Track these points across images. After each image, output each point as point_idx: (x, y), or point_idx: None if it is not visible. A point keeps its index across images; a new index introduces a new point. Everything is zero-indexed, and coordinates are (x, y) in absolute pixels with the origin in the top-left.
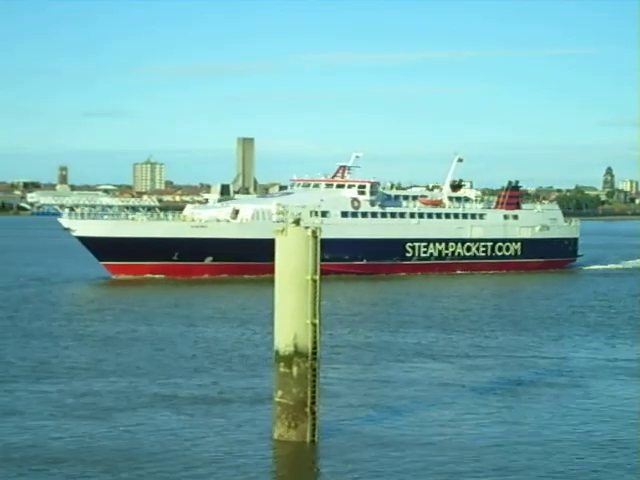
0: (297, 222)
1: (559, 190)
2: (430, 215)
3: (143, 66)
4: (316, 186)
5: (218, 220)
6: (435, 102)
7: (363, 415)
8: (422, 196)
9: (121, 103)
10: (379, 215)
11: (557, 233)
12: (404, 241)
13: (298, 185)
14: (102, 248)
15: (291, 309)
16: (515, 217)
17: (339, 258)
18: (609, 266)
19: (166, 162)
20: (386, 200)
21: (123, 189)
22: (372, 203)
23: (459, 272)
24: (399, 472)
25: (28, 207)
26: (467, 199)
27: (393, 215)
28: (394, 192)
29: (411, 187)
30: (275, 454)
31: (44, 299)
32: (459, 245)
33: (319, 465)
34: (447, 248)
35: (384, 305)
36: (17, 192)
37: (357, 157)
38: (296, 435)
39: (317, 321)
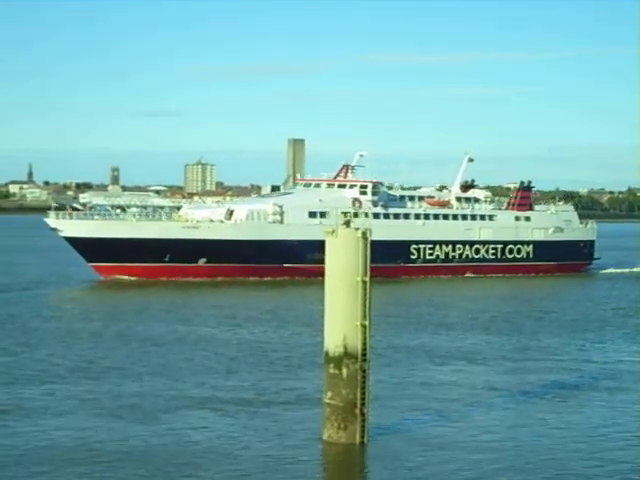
0: (347, 223)
1: (611, 192)
2: (436, 216)
3: (196, 66)
4: (317, 186)
5: (212, 220)
6: (489, 105)
7: (411, 417)
8: (429, 197)
9: (173, 104)
10: (382, 216)
11: (572, 235)
12: (408, 243)
13: (300, 185)
14: (90, 249)
15: (341, 310)
16: (527, 219)
17: None
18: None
19: (217, 163)
20: (390, 201)
21: (174, 190)
22: (374, 203)
23: (467, 275)
24: (448, 475)
25: (80, 207)
26: (476, 200)
27: (397, 216)
28: (399, 192)
29: (420, 188)
30: (324, 455)
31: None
32: (467, 247)
33: (368, 467)
34: (454, 250)
35: (418, 307)
36: (70, 193)
37: (361, 156)
38: (345, 436)
39: (367, 322)
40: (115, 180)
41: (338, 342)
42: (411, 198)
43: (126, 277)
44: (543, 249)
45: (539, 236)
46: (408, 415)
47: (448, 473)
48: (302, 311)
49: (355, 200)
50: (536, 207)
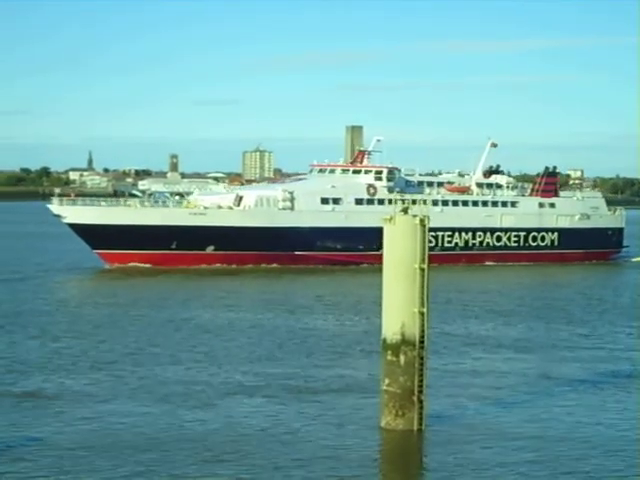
0: (405, 210)
1: None
2: (455, 202)
3: (254, 54)
4: (332, 172)
5: (220, 207)
6: (554, 89)
7: (467, 404)
8: (448, 183)
9: (232, 91)
10: (398, 202)
11: (599, 222)
12: None
13: (315, 171)
14: (95, 236)
15: (399, 298)
16: (552, 205)
17: (353, 248)
18: None
19: (275, 150)
20: (407, 187)
21: (232, 177)
22: (390, 189)
23: (488, 263)
24: (506, 463)
25: (139, 194)
26: (499, 186)
27: (413, 202)
28: (417, 178)
29: (442, 174)
30: (382, 442)
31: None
32: (488, 235)
33: (426, 453)
34: (474, 238)
35: (461, 293)
36: (129, 179)
37: (378, 141)
38: (403, 423)
39: (425, 310)
40: (174, 167)
41: (396, 329)
42: (430, 184)
43: (135, 264)
44: (568, 237)
45: (564, 223)
46: (463, 402)
47: (506, 461)
48: (349, 298)
49: (370, 186)
50: (562, 193)
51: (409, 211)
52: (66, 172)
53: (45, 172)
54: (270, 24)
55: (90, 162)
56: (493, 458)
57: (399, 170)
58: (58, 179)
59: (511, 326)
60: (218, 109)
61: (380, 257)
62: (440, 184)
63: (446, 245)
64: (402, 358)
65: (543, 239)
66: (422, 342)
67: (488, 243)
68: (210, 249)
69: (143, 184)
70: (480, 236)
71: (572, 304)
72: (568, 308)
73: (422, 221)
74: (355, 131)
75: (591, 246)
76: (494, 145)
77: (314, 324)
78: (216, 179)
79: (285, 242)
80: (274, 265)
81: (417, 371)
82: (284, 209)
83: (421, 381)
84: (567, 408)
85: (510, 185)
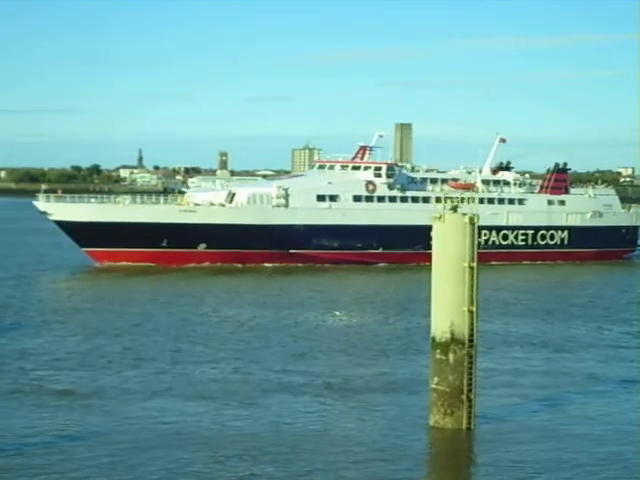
0: (454, 209)
1: None
2: (460, 200)
3: (304, 52)
4: (331, 168)
5: (212, 204)
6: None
7: (517, 403)
8: (453, 179)
9: (282, 88)
10: (398, 199)
11: (612, 220)
12: (428, 228)
13: (315, 167)
14: (82, 234)
15: (448, 296)
16: (562, 203)
17: (350, 246)
18: None
19: (324, 147)
20: (410, 183)
21: (282, 174)
22: (390, 186)
23: (493, 263)
24: (556, 463)
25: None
26: (506, 183)
27: (415, 199)
28: (420, 175)
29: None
30: (431, 441)
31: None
32: (494, 233)
33: (475, 452)
34: (479, 236)
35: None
36: (179, 177)
37: (380, 137)
38: (452, 422)
39: (474, 308)
40: (223, 165)
41: (445, 328)
42: (433, 181)
43: (123, 263)
44: (579, 235)
45: (575, 221)
46: (511, 402)
47: (555, 461)
48: (391, 296)
49: (369, 182)
50: (573, 190)
51: (458, 209)
52: (117, 170)
53: (96, 170)
54: (321, 21)
55: (140, 160)
56: (542, 458)
57: (400, 166)
58: (109, 177)
59: (551, 325)
60: (268, 106)
61: (379, 256)
62: (444, 181)
63: None
64: (451, 356)
65: (552, 237)
66: (471, 341)
67: (494, 242)
68: (202, 247)
69: (192, 182)
70: (485, 235)
71: (593, 304)
72: (590, 307)
73: (471, 219)
74: (404, 128)
75: (604, 245)
76: (503, 140)
77: (346, 322)
78: (265, 177)
79: (279, 240)
80: (268, 264)
81: (466, 370)
82: (278, 206)
83: (470, 380)
84: (615, 408)
85: (518, 182)
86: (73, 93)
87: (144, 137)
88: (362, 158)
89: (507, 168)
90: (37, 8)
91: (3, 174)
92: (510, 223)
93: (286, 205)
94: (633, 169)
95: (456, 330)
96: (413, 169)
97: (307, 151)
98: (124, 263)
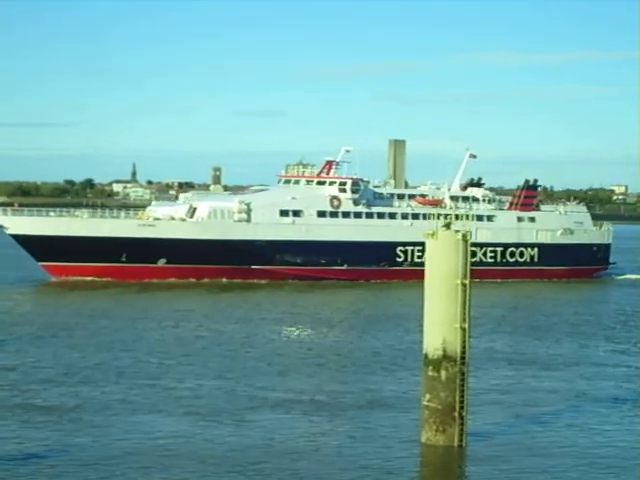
0: (447, 226)
1: None
2: (426, 216)
3: (298, 67)
4: (297, 182)
5: (173, 218)
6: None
7: (509, 421)
8: (421, 195)
9: (276, 103)
10: (364, 215)
11: (584, 238)
12: (394, 244)
13: (280, 182)
14: (39, 248)
15: (440, 313)
16: (531, 219)
17: (314, 262)
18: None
19: (318, 163)
20: (375, 199)
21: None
22: (355, 202)
23: None
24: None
25: None
26: (475, 199)
27: (381, 215)
28: (387, 191)
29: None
30: (423, 458)
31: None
32: None
33: (467, 470)
34: None
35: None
36: (172, 192)
37: (347, 151)
38: (444, 439)
39: (467, 325)
40: (217, 180)
41: (437, 345)
42: (400, 196)
43: (78, 277)
44: (550, 252)
45: (545, 238)
46: (504, 419)
47: (547, 478)
48: (370, 313)
49: (333, 198)
50: (543, 207)
51: (451, 226)
52: (110, 184)
53: (89, 184)
54: (315, 36)
55: (134, 174)
56: (534, 476)
57: (366, 182)
58: (102, 191)
59: (546, 343)
60: (262, 121)
61: (343, 272)
62: (412, 197)
63: (416, 260)
64: (443, 373)
65: (522, 255)
66: (463, 358)
67: None
68: (162, 262)
69: (186, 197)
70: None
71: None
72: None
73: (464, 236)
74: (398, 145)
75: (574, 262)
76: (473, 156)
77: (343, 339)
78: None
79: (241, 256)
80: (224, 279)
81: (458, 387)
82: (240, 221)
83: (462, 397)
84: (605, 425)
85: (487, 198)
86: (66, 107)
87: (138, 152)
88: (328, 173)
89: (478, 184)
90: (31, 21)
91: None
92: (478, 240)
93: (248, 220)
94: (626, 187)
95: (448, 347)
96: (383, 185)
97: (301, 166)
98: (82, 277)
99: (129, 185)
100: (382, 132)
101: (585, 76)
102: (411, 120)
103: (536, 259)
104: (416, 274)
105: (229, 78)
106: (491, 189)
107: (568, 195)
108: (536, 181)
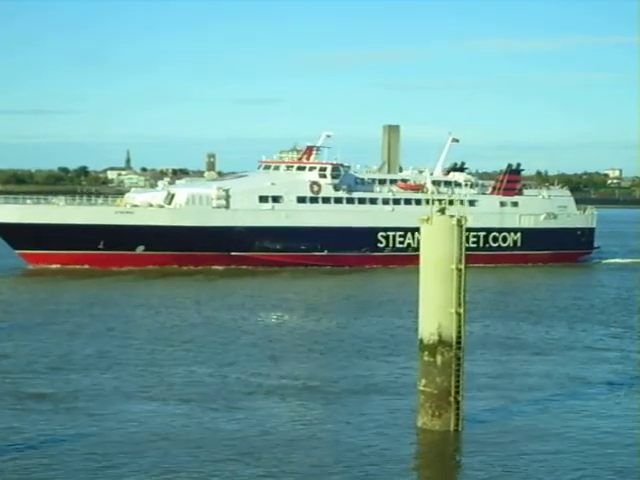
0: (442, 211)
1: None
2: (408, 201)
3: (292, 54)
4: (277, 168)
5: (151, 205)
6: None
7: (504, 406)
8: (403, 180)
9: (270, 91)
10: (344, 201)
11: (567, 222)
12: (375, 230)
13: (261, 167)
14: (15, 236)
15: (435, 298)
16: (514, 204)
17: (294, 248)
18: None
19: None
20: (357, 184)
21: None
22: (336, 187)
23: None
24: (544, 465)
25: None
26: (457, 184)
27: (362, 201)
28: (368, 176)
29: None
30: (419, 442)
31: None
32: None
33: (463, 454)
34: None
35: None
36: (166, 179)
37: (328, 136)
38: (440, 424)
39: (462, 310)
40: (211, 166)
41: (433, 330)
42: (381, 182)
43: (56, 265)
44: (533, 237)
45: (528, 223)
46: (499, 404)
47: (543, 463)
48: (361, 298)
49: (313, 183)
50: (526, 192)
51: (446, 211)
52: (104, 171)
53: (83, 171)
54: (309, 24)
55: (128, 161)
56: (530, 460)
57: (347, 167)
58: (96, 178)
59: (540, 327)
60: (256, 108)
61: (323, 258)
62: (393, 182)
63: (397, 246)
64: (439, 358)
65: (505, 240)
66: (459, 343)
67: None
68: (140, 249)
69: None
70: None
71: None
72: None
73: (459, 221)
74: (392, 130)
75: (558, 247)
76: (455, 140)
77: (336, 325)
78: None
79: (220, 242)
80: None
81: (454, 372)
82: (218, 207)
83: (458, 382)
84: (601, 409)
85: (469, 183)
86: (61, 95)
87: (132, 139)
88: (308, 158)
89: (461, 169)
90: (25, 11)
91: None
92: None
93: (227, 206)
94: (621, 171)
95: (444, 332)
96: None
97: (295, 152)
98: (59, 266)
99: (123, 172)
100: (378, 118)
101: (579, 62)
102: (406, 107)
103: (519, 244)
104: (397, 260)
105: (225, 66)
106: (476, 174)
107: (562, 179)
108: (519, 165)
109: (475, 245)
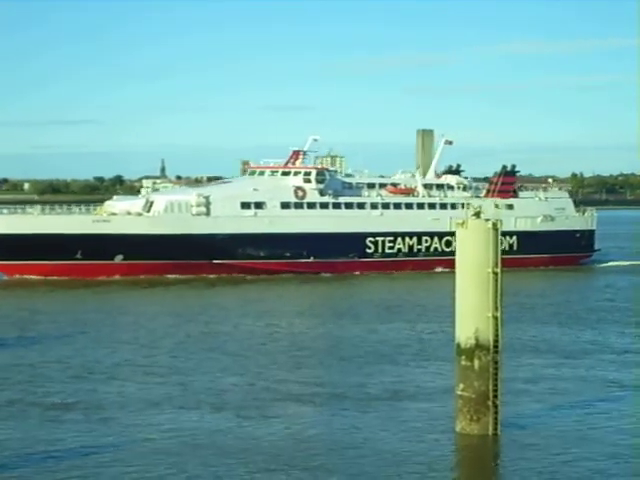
0: (477, 215)
1: None
2: (398, 205)
3: (324, 60)
4: (261, 174)
5: (129, 213)
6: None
7: (540, 410)
8: (393, 184)
9: (303, 97)
10: (330, 206)
11: (565, 224)
12: (363, 235)
13: (247, 173)
14: None
15: (472, 302)
16: (509, 207)
17: (279, 255)
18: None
19: (347, 155)
20: (344, 189)
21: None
22: (321, 192)
23: (439, 270)
24: (584, 470)
25: None
26: (450, 187)
27: (349, 206)
28: (355, 180)
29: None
30: (457, 447)
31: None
32: (436, 239)
33: (502, 458)
34: (420, 243)
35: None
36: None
37: (315, 140)
38: (478, 428)
39: (498, 314)
40: (245, 173)
41: (469, 334)
42: (370, 186)
43: (33, 276)
44: (529, 240)
45: (524, 226)
46: (535, 407)
47: (583, 467)
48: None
49: (298, 188)
50: (522, 194)
51: (481, 215)
52: (139, 180)
53: (119, 180)
54: (340, 30)
55: (163, 170)
56: (570, 464)
57: (332, 171)
58: (131, 187)
59: (573, 331)
60: (289, 115)
61: (309, 265)
62: (382, 185)
63: (387, 251)
64: (476, 363)
65: (500, 243)
66: (496, 346)
67: (437, 248)
68: (119, 259)
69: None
70: (427, 241)
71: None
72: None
73: (494, 225)
74: (426, 135)
75: (556, 250)
76: (449, 142)
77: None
78: None
79: (202, 250)
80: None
81: (491, 376)
82: (198, 214)
83: (495, 386)
84: None
85: (462, 186)
86: (94, 105)
87: (166, 148)
88: (294, 163)
89: (456, 172)
90: (52, 18)
91: (27, 186)
92: (453, 228)
93: (207, 213)
94: None
95: (481, 336)
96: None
97: (329, 158)
98: (37, 277)
99: (158, 181)
100: (409, 123)
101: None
102: (439, 111)
103: (515, 247)
104: (388, 265)
105: (257, 73)
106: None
107: (598, 181)
108: (514, 167)
109: None
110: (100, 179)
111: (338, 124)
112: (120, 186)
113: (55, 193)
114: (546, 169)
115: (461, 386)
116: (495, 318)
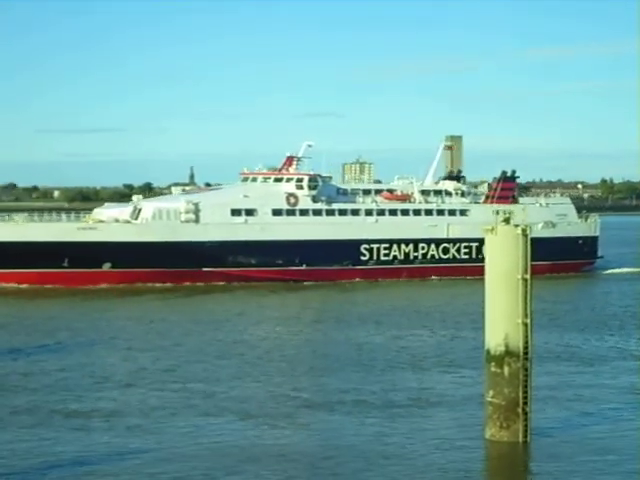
0: (507, 220)
1: None
2: (393, 212)
3: (352, 67)
4: (254, 180)
5: (117, 220)
6: None
7: (569, 417)
8: (388, 190)
9: (331, 104)
10: (324, 212)
11: (567, 231)
12: (357, 242)
13: (240, 179)
14: None
15: (502, 309)
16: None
17: (270, 263)
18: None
19: (375, 161)
20: (338, 195)
21: None
22: (314, 199)
23: (435, 278)
24: (615, 477)
25: None
26: (448, 193)
27: (343, 212)
28: (350, 186)
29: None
30: (487, 454)
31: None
32: (432, 246)
33: (532, 466)
34: (416, 250)
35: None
36: None
37: (309, 146)
38: (508, 435)
39: (528, 321)
40: None
41: (499, 340)
42: (366, 192)
43: (15, 285)
44: (530, 247)
45: None
46: (564, 415)
47: (614, 476)
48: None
49: (290, 195)
50: (522, 200)
51: (511, 221)
52: (168, 187)
53: (148, 188)
54: (369, 38)
55: (192, 177)
56: (600, 473)
57: (326, 178)
58: (161, 194)
59: (600, 338)
60: (317, 122)
61: (302, 273)
62: (378, 192)
63: (382, 259)
64: (506, 369)
65: None
66: (526, 353)
67: (433, 256)
68: (107, 266)
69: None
70: (423, 248)
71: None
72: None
73: (524, 231)
74: (454, 140)
75: (558, 257)
76: (448, 148)
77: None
78: None
79: (191, 258)
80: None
81: (521, 382)
82: (187, 221)
83: (525, 392)
84: None
85: (460, 191)
86: (122, 113)
87: (195, 155)
88: (288, 169)
89: (457, 178)
90: (76, 24)
91: (57, 194)
92: (451, 235)
93: (196, 220)
94: None
95: (511, 343)
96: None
97: (358, 165)
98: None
99: (187, 188)
100: (438, 129)
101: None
102: (467, 117)
103: None
104: (383, 273)
105: (287, 80)
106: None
107: (627, 187)
108: (514, 172)
109: (467, 257)
110: (129, 186)
111: (366, 131)
112: (149, 193)
113: (85, 201)
114: (576, 175)
115: (491, 393)
116: (525, 325)
